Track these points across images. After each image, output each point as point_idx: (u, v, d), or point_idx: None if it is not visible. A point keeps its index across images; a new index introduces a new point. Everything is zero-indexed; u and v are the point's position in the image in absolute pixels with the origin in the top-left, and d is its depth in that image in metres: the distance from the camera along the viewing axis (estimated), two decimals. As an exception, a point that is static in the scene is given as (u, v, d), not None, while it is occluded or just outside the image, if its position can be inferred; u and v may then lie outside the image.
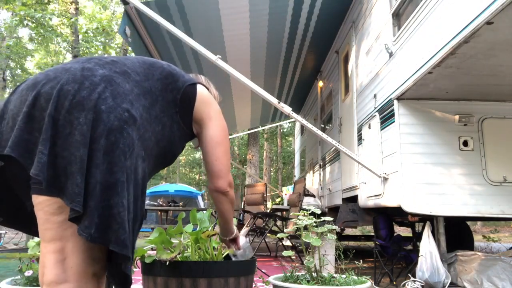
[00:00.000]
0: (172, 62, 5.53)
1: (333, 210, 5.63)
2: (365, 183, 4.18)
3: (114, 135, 1.03)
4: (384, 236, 3.92)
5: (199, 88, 1.42)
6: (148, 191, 11.51)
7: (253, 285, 1.75)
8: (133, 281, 1.13)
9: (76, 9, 13.69)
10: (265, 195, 6.82)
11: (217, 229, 1.72)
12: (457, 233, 4.45)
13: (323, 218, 2.09)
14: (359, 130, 4.52)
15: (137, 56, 1.37)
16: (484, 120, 3.44)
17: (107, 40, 15.25)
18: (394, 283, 3.37)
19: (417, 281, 2.94)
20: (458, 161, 3.34)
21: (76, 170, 0.99)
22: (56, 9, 13.76)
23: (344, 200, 5.07)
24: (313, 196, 6.61)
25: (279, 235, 5.14)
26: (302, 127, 9.43)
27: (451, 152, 3.37)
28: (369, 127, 4.11)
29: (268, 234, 5.40)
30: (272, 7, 4.79)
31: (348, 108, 5.07)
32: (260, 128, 13.19)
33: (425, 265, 3.07)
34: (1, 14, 20.56)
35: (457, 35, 2.37)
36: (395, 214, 4.10)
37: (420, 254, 3.14)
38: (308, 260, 1.91)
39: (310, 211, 2.08)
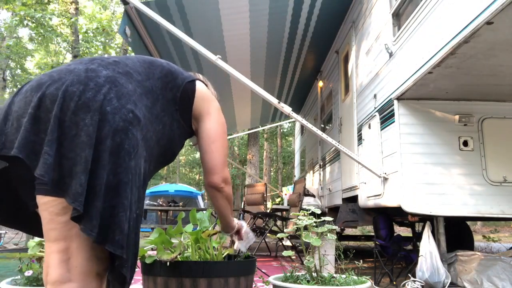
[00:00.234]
0: (172, 62, 5.51)
1: (333, 210, 5.63)
2: (365, 183, 4.18)
3: (119, 136, 1.04)
4: (384, 236, 3.92)
5: (198, 84, 1.43)
6: (148, 191, 11.51)
7: (253, 285, 1.75)
8: (132, 280, 1.13)
9: (76, 9, 13.70)
10: (265, 195, 6.82)
11: (217, 228, 1.72)
12: (457, 233, 4.46)
13: (323, 218, 2.08)
14: (359, 130, 4.52)
15: (137, 55, 1.39)
16: (484, 120, 3.44)
17: (107, 40, 15.25)
18: (394, 283, 3.37)
19: (417, 281, 2.94)
20: (458, 161, 3.34)
21: (81, 171, 1.00)
22: (56, 9, 13.76)
23: (344, 200, 5.07)
24: (313, 196, 6.61)
25: (279, 235, 5.14)
26: (302, 127, 9.43)
27: (451, 152, 3.37)
28: (369, 127, 4.11)
29: (268, 234, 5.40)
30: (272, 7, 4.79)
31: (348, 108, 5.07)
32: (260, 128, 13.20)
33: (425, 265, 3.07)
34: (1, 14, 20.57)
35: (457, 35, 2.37)
36: (395, 214, 4.10)
37: (420, 254, 3.14)
38: (308, 260, 1.91)
39: (310, 211, 2.08)
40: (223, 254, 1.71)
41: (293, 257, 4.90)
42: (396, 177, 3.35)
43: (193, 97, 1.39)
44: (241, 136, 17.53)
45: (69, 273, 1.04)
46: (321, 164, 6.83)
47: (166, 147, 1.33)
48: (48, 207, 1.06)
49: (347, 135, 5.07)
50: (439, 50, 2.61)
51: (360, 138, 4.47)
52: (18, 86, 15.93)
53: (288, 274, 2.00)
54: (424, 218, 3.61)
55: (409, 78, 3.12)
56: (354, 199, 4.56)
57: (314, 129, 3.56)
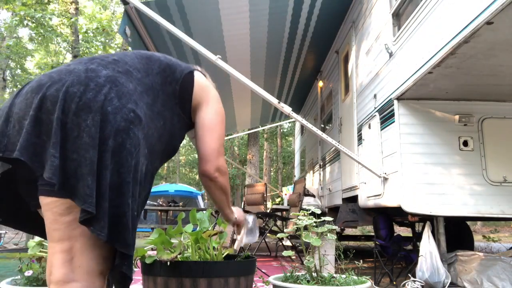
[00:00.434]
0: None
1: (333, 210, 5.63)
2: (365, 183, 4.18)
3: (121, 136, 1.04)
4: (384, 236, 3.93)
5: (197, 75, 1.43)
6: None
7: (253, 285, 1.75)
8: (132, 280, 1.13)
9: (76, 9, 13.70)
10: (265, 195, 6.82)
11: (217, 228, 1.72)
12: (457, 233, 4.46)
13: (323, 218, 2.09)
14: (359, 130, 4.52)
15: (134, 51, 1.38)
16: (484, 120, 3.44)
17: (107, 40, 15.26)
18: (394, 283, 3.37)
19: (417, 281, 2.94)
20: (458, 161, 3.34)
21: (87, 172, 1.00)
22: (56, 9, 13.76)
23: (344, 200, 5.07)
24: (313, 196, 6.61)
25: (279, 235, 5.14)
26: (302, 127, 9.43)
27: (451, 152, 3.37)
28: (369, 127, 4.11)
29: (268, 234, 5.40)
30: (272, 7, 4.79)
31: (348, 108, 5.07)
32: (260, 128, 13.20)
33: (425, 265, 3.07)
34: (1, 14, 20.57)
35: (457, 35, 2.37)
36: (395, 214, 4.10)
37: (420, 254, 3.14)
38: (308, 260, 1.91)
39: (310, 211, 2.08)
40: (223, 254, 1.71)
41: (293, 257, 4.90)
42: (396, 177, 3.35)
43: (192, 88, 1.38)
44: (241, 136, 17.53)
45: (73, 273, 1.04)
46: (321, 164, 6.83)
47: (168, 142, 1.33)
48: (52, 207, 1.06)
49: (347, 135, 5.07)
50: (439, 50, 2.61)
51: (360, 138, 4.47)
52: (18, 86, 15.94)
53: (288, 274, 2.00)
54: (424, 218, 3.61)
55: (409, 78, 3.12)
56: (354, 199, 4.56)
57: (314, 129, 3.56)
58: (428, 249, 3.12)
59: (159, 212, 9.50)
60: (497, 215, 3.26)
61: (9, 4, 10.90)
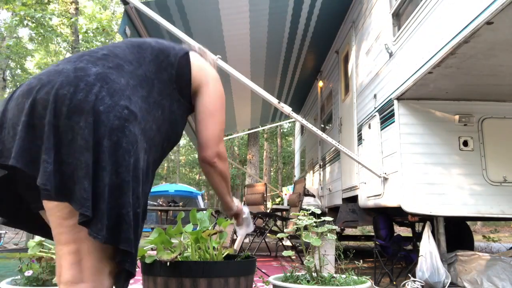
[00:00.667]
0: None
1: (333, 210, 5.63)
2: (365, 183, 4.18)
3: (116, 135, 1.03)
4: (384, 236, 3.93)
5: (192, 56, 1.37)
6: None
7: (253, 285, 1.75)
8: (132, 280, 1.13)
9: (76, 9, 13.71)
10: (265, 195, 6.82)
11: (218, 228, 1.72)
12: (457, 233, 4.46)
13: (323, 218, 2.09)
14: (359, 130, 4.52)
15: (124, 41, 1.34)
16: (484, 120, 3.44)
17: (107, 40, 15.25)
18: (394, 283, 3.37)
19: (417, 281, 2.94)
20: (458, 161, 3.34)
21: (83, 175, 0.99)
22: (56, 9, 13.77)
23: (344, 200, 5.07)
24: (313, 196, 6.61)
25: (279, 235, 5.13)
26: (302, 127, 9.43)
27: (451, 152, 3.37)
28: (369, 127, 4.11)
29: (268, 234, 5.40)
30: (272, 7, 4.79)
31: (348, 108, 5.07)
32: (260, 128, 13.20)
33: (425, 265, 3.07)
34: (1, 14, 20.57)
35: (457, 35, 2.37)
36: (395, 214, 4.10)
37: (420, 254, 3.14)
38: (308, 260, 1.91)
39: (310, 211, 2.08)
40: (223, 254, 1.71)
41: (293, 257, 4.90)
42: (396, 177, 3.35)
43: (190, 71, 1.33)
44: (241, 136, 17.53)
45: (81, 274, 1.04)
46: (321, 164, 6.83)
47: (168, 131, 1.30)
48: (55, 212, 1.06)
49: (347, 135, 5.07)
50: (439, 50, 2.61)
51: (360, 138, 4.47)
52: (18, 86, 15.90)
53: (288, 274, 2.00)
54: (424, 218, 3.61)
55: (409, 78, 3.12)
56: (354, 199, 4.56)
57: (314, 129, 3.56)
58: (428, 249, 3.12)
59: (159, 212, 9.50)
60: (497, 215, 3.26)
61: (9, 4, 10.90)
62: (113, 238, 1.00)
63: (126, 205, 1.01)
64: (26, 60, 18.11)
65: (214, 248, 1.69)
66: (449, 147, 3.37)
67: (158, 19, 3.43)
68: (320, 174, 6.93)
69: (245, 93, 7.23)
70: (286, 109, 3.35)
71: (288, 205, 7.03)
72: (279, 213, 6.69)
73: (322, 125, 7.07)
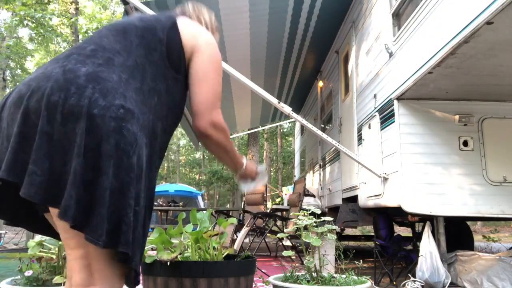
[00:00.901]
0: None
1: (333, 210, 5.63)
2: (365, 183, 4.18)
3: (113, 137, 0.99)
4: (384, 236, 3.93)
5: (181, 24, 1.28)
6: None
7: (253, 285, 1.75)
8: (140, 274, 1.13)
9: (76, 9, 13.70)
10: (265, 195, 6.82)
11: (218, 228, 1.72)
12: (457, 233, 4.46)
13: (323, 218, 2.09)
14: (359, 130, 4.52)
15: (108, 27, 1.26)
16: (484, 120, 3.44)
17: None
18: (394, 283, 3.37)
19: (417, 281, 2.94)
20: (458, 161, 3.35)
21: (71, 182, 0.96)
22: (56, 9, 13.77)
23: (344, 200, 5.07)
24: (313, 196, 6.62)
25: (279, 235, 5.14)
26: (302, 127, 9.43)
27: (451, 152, 3.37)
28: (369, 127, 4.11)
29: (268, 234, 5.40)
30: (272, 7, 4.79)
31: (348, 108, 5.08)
32: (260, 128, 13.20)
33: (425, 265, 3.07)
34: (1, 14, 20.57)
35: (457, 35, 2.37)
36: (395, 214, 4.10)
37: (420, 254, 3.14)
38: (308, 260, 1.91)
39: (310, 211, 2.08)
40: (223, 254, 1.72)
41: (293, 257, 4.90)
42: (396, 177, 3.35)
43: (180, 43, 1.24)
44: (241, 136, 17.53)
45: (91, 277, 1.03)
46: (321, 164, 6.83)
47: (168, 115, 1.24)
48: None
49: (347, 135, 5.07)
50: (439, 50, 2.61)
51: (360, 138, 4.47)
52: (9, 92, 15.90)
53: (288, 274, 2.00)
54: (424, 218, 3.61)
55: (409, 78, 3.12)
56: (354, 199, 4.56)
57: (314, 129, 3.56)
58: (428, 249, 3.12)
59: (159, 212, 9.50)
60: (497, 215, 3.26)
61: (9, 4, 10.90)
62: (112, 241, 0.98)
63: (127, 207, 1.00)
64: (26, 60, 18.11)
65: (214, 248, 1.70)
66: (449, 147, 3.37)
67: (158, 19, 3.42)
68: (320, 174, 6.93)
69: (245, 93, 7.23)
70: (286, 109, 3.35)
71: (288, 205, 7.03)
72: (279, 213, 6.69)
73: (322, 125, 7.07)
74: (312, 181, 7.79)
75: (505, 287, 2.98)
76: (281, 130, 22.90)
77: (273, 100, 3.40)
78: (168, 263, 1.49)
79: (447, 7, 2.58)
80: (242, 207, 7.20)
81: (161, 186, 14.21)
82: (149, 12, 3.47)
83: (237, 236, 5.24)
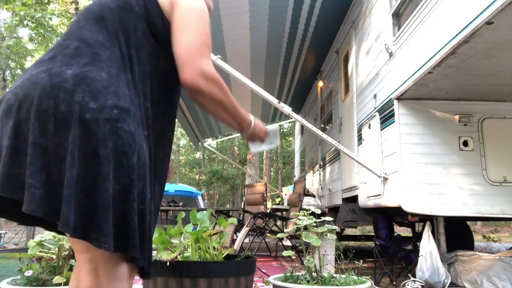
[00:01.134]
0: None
1: (333, 210, 5.63)
2: (365, 183, 4.18)
3: (110, 141, 0.96)
4: (384, 236, 3.93)
5: None
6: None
7: (253, 285, 1.75)
8: (152, 273, 1.13)
9: (76, 9, 13.69)
10: (265, 195, 6.81)
11: (218, 228, 1.72)
12: (457, 233, 4.46)
13: (323, 218, 2.09)
14: (359, 130, 4.52)
15: (84, 13, 1.17)
16: (484, 120, 3.44)
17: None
18: (394, 283, 3.37)
19: (417, 281, 2.94)
20: (458, 161, 3.35)
21: (70, 191, 0.94)
22: (56, 9, 13.77)
23: (344, 200, 5.07)
24: (313, 196, 6.62)
25: (279, 235, 5.13)
26: (302, 127, 9.43)
27: (451, 152, 3.37)
28: (369, 127, 4.11)
29: (268, 234, 5.40)
30: (272, 7, 4.79)
31: (348, 108, 5.08)
32: (260, 128, 13.15)
33: (425, 265, 3.07)
34: (1, 14, 20.57)
35: (457, 35, 2.37)
36: (395, 214, 4.10)
37: (420, 254, 3.14)
38: (308, 260, 1.91)
39: (310, 211, 2.08)
40: (223, 254, 1.72)
41: (293, 257, 4.90)
42: (396, 177, 3.35)
43: (159, 6, 1.15)
44: (241, 136, 17.47)
45: (100, 280, 1.03)
46: (321, 164, 6.83)
47: (163, 98, 1.18)
48: None
49: (347, 135, 5.07)
50: (439, 50, 2.61)
51: (360, 138, 4.47)
52: None
53: (288, 274, 2.00)
54: (424, 218, 3.61)
55: (409, 78, 3.12)
56: (354, 199, 4.56)
57: (314, 129, 3.56)
58: (428, 249, 3.12)
59: (159, 212, 9.50)
60: (497, 215, 3.26)
61: (9, 4, 10.90)
62: (120, 246, 0.97)
63: (130, 210, 0.98)
64: (26, 60, 18.10)
65: (214, 248, 1.70)
66: (449, 147, 3.37)
67: (158, 19, 3.42)
68: (320, 174, 6.93)
69: (245, 93, 7.23)
70: (286, 109, 3.35)
71: (288, 205, 7.03)
72: (279, 213, 6.69)
73: (322, 125, 7.07)
74: (312, 181, 7.79)
75: (505, 287, 2.98)
76: (281, 130, 22.90)
77: (273, 100, 3.40)
78: (168, 263, 1.49)
79: (447, 7, 2.58)
80: (242, 207, 7.20)
81: (161, 186, 14.18)
82: None
83: (237, 236, 5.23)
